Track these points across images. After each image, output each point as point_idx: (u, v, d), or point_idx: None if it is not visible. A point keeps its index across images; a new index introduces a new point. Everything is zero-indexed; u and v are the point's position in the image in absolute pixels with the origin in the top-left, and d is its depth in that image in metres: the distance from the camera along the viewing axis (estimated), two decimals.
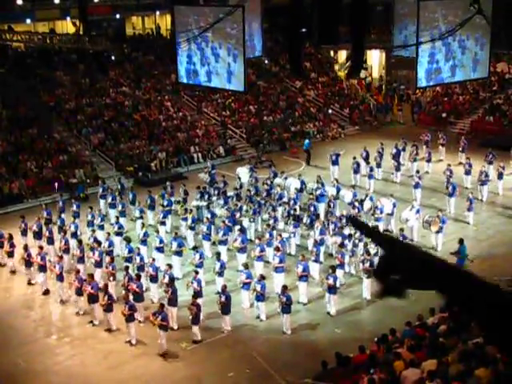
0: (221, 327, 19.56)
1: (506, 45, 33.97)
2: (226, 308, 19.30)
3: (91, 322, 20.37)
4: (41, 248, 22.89)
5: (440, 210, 26.33)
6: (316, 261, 22.41)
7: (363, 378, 12.42)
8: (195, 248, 23.05)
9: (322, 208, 27.07)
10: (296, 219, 25.21)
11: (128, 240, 23.34)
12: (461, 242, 22.19)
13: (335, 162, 33.45)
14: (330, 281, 20.08)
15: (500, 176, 30.54)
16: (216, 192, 28.67)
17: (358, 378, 12.76)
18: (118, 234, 24.90)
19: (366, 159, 33.19)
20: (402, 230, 24.04)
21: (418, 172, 30.51)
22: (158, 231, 24.37)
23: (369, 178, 31.74)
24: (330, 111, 46.10)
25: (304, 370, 16.26)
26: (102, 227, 25.65)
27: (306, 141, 39.21)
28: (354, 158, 32.65)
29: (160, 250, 23.23)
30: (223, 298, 19.14)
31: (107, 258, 22.24)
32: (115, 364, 18.26)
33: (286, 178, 30.24)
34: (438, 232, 24.51)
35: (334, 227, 24.29)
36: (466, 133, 40.73)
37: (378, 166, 33.01)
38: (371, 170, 31.94)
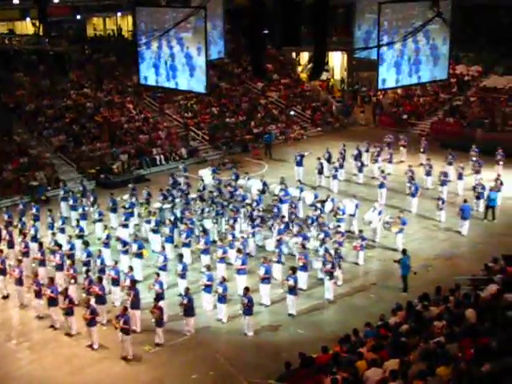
0: (183, 329, 19.47)
1: (464, 47, 34.53)
2: (189, 310, 19.21)
3: (52, 326, 20.11)
4: (0, 251, 22.54)
5: (401, 210, 26.59)
6: (278, 262, 22.44)
7: (326, 378, 12.45)
8: (163, 248, 22.80)
9: (285, 209, 27.09)
10: (254, 220, 25.22)
11: (86, 244, 23.10)
12: (404, 252, 21.98)
13: (299, 163, 33.55)
14: (291, 282, 20.12)
15: (460, 177, 30.94)
16: (179, 194, 28.58)
17: (321, 378, 12.78)
18: (79, 237, 24.65)
19: (329, 160, 33.38)
20: (361, 231, 24.29)
21: (382, 172, 30.73)
22: (117, 236, 24.05)
23: (333, 178, 31.88)
24: (292, 113, 46.26)
25: (267, 371, 16.24)
26: (62, 230, 25.35)
27: (267, 135, 40.26)
28: (319, 158, 32.82)
29: (124, 252, 23.08)
30: (186, 301, 19.05)
31: (68, 261, 22.00)
32: (77, 368, 18.04)
33: (248, 179, 30.33)
34: (398, 233, 24.75)
35: (297, 228, 24.37)
36: (427, 134, 41.18)
37: (341, 166, 33.14)
38: (336, 170, 32.08)
